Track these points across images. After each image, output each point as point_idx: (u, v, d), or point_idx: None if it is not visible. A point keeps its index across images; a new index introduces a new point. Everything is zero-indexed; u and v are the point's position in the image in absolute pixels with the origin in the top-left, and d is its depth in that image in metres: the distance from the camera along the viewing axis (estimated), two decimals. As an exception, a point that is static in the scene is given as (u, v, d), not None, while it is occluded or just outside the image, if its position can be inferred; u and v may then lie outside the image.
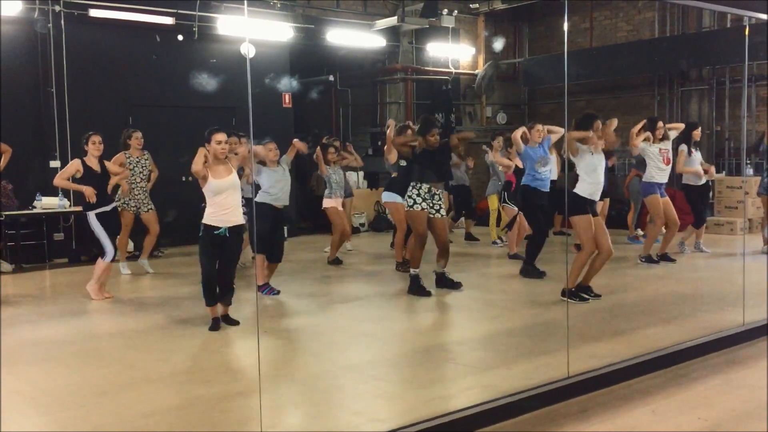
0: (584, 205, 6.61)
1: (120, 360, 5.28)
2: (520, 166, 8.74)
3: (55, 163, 10.10)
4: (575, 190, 6.66)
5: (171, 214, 10.29)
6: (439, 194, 7.20)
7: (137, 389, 4.58)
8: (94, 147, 7.22)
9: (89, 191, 7.08)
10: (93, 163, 7.23)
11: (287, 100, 12.62)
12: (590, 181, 6.62)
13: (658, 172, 8.59)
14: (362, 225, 13.18)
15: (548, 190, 8.18)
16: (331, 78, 14.56)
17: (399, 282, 7.96)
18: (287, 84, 12.45)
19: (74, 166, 7.19)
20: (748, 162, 11.98)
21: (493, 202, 10.48)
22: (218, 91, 11.08)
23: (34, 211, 9.62)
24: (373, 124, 15.08)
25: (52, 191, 9.92)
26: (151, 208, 8.91)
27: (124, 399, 4.40)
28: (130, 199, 8.75)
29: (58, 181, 7.24)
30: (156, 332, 6.13)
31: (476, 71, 15.55)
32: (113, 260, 7.37)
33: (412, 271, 7.28)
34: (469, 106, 15.69)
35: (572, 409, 4.06)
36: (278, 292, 7.28)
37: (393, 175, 8.69)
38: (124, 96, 10.88)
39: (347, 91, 15.09)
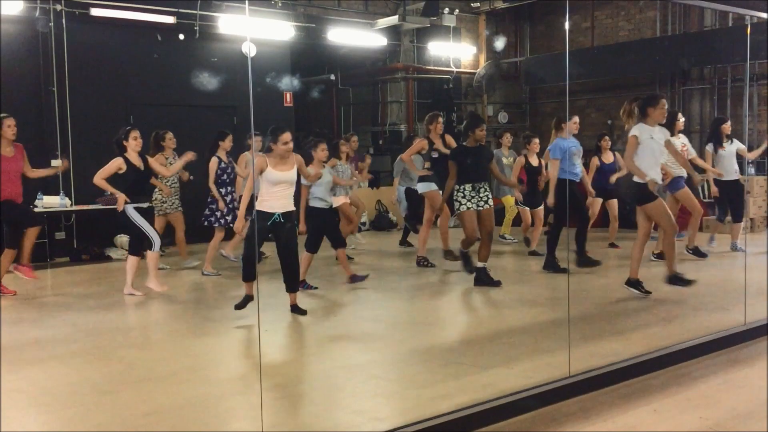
0: (650, 192, 6.52)
1: (121, 359, 5.28)
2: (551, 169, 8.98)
3: (56, 162, 10.09)
4: (636, 180, 6.60)
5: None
6: (483, 187, 7.45)
7: (138, 388, 4.58)
8: (136, 143, 7.21)
9: (121, 200, 7.10)
10: (135, 159, 7.22)
11: (288, 99, 12.62)
12: (647, 164, 6.55)
13: (677, 167, 8.61)
14: (363, 224, 13.17)
15: (579, 180, 8.32)
16: (332, 77, 14.57)
17: (399, 281, 7.95)
18: (288, 83, 12.46)
19: (116, 164, 7.11)
20: (750, 162, 11.96)
21: (508, 201, 10.49)
22: (219, 90, 11.09)
23: (36, 210, 9.62)
24: (374, 123, 15.08)
25: (54, 190, 9.92)
26: (179, 209, 9.05)
27: (125, 398, 4.40)
28: (163, 203, 8.82)
29: (99, 180, 7.12)
30: (157, 330, 6.13)
31: (477, 70, 15.54)
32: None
33: (463, 249, 7.69)
34: (471, 105, 15.68)
35: (573, 409, 4.05)
36: (315, 287, 7.52)
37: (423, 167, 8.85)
38: (125, 95, 10.89)
39: (348, 90, 15.09)
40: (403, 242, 10.78)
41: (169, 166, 8.49)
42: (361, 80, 15.11)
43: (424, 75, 14.74)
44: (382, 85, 14.89)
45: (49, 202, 9.67)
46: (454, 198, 7.44)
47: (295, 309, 6.38)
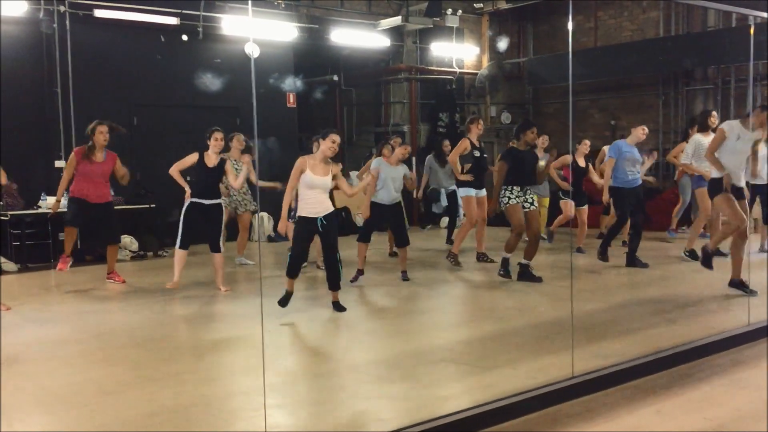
0: (722, 186, 6.56)
1: (124, 359, 5.29)
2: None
3: (60, 163, 10.11)
4: (713, 175, 6.69)
5: (175, 213, 10.32)
6: (530, 189, 7.75)
7: (141, 388, 4.59)
8: (216, 143, 7.45)
9: (187, 195, 7.43)
10: (211, 158, 7.44)
11: (291, 100, 12.63)
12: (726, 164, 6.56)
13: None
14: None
15: (638, 185, 8.58)
16: (336, 78, 14.58)
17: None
18: (291, 84, 12.47)
19: (192, 158, 7.44)
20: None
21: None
22: (222, 91, 11.10)
23: (39, 210, 9.64)
24: (377, 124, 15.09)
25: (57, 191, 9.93)
26: (246, 210, 9.18)
27: (129, 398, 4.41)
28: (230, 196, 8.99)
29: (173, 171, 7.46)
30: (160, 331, 6.14)
31: (480, 71, 15.54)
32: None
33: (504, 254, 7.82)
34: (474, 105, 15.68)
35: (577, 409, 4.05)
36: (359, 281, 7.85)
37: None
38: (128, 96, 10.91)
39: (351, 90, 15.10)
40: (449, 241, 10.69)
41: (234, 169, 8.77)
42: (364, 81, 15.12)
43: (427, 76, 14.74)
44: (385, 85, 14.90)
45: (52, 203, 9.67)
46: (502, 196, 7.65)
47: (337, 306, 6.59)
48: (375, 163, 8.10)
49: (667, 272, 8.40)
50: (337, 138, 6.33)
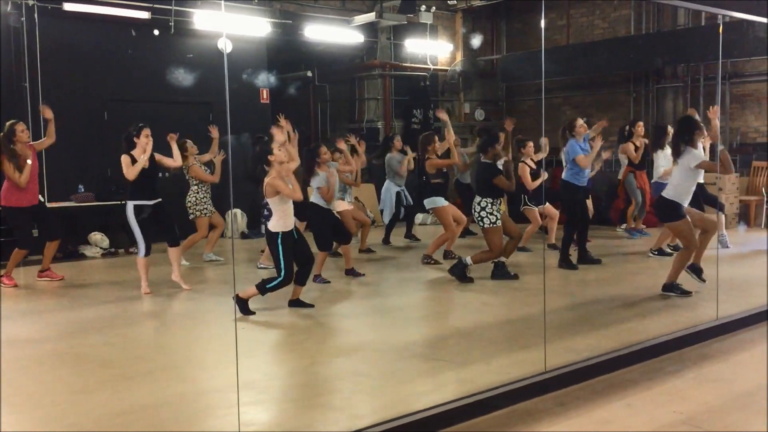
0: (681, 212, 6.55)
1: (96, 358, 5.23)
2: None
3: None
4: (667, 195, 6.60)
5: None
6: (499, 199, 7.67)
7: (113, 387, 4.54)
8: (147, 140, 7.13)
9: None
10: (140, 156, 7.14)
11: (265, 96, 12.56)
12: (684, 185, 6.55)
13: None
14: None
15: (586, 184, 8.51)
16: (309, 74, 14.51)
17: (377, 280, 7.96)
18: (265, 79, 12.40)
19: (127, 161, 7.04)
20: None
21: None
22: (195, 87, 11.01)
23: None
24: (351, 120, 15.06)
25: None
26: (214, 211, 9.03)
27: (100, 397, 4.36)
28: (196, 205, 8.83)
29: (132, 172, 7.04)
30: (132, 329, 6.08)
31: (450, 66, 15.59)
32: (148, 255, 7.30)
33: (467, 260, 7.60)
34: (447, 102, 15.73)
35: (549, 404, 4.09)
36: (328, 282, 7.70)
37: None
38: (99, 91, 10.76)
39: (325, 86, 15.04)
40: (387, 240, 10.67)
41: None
42: (338, 77, 15.07)
43: (401, 72, 14.75)
44: (359, 82, 14.87)
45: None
46: (486, 214, 7.46)
47: (297, 303, 6.51)
48: (319, 178, 7.70)
49: (635, 268, 8.50)
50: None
